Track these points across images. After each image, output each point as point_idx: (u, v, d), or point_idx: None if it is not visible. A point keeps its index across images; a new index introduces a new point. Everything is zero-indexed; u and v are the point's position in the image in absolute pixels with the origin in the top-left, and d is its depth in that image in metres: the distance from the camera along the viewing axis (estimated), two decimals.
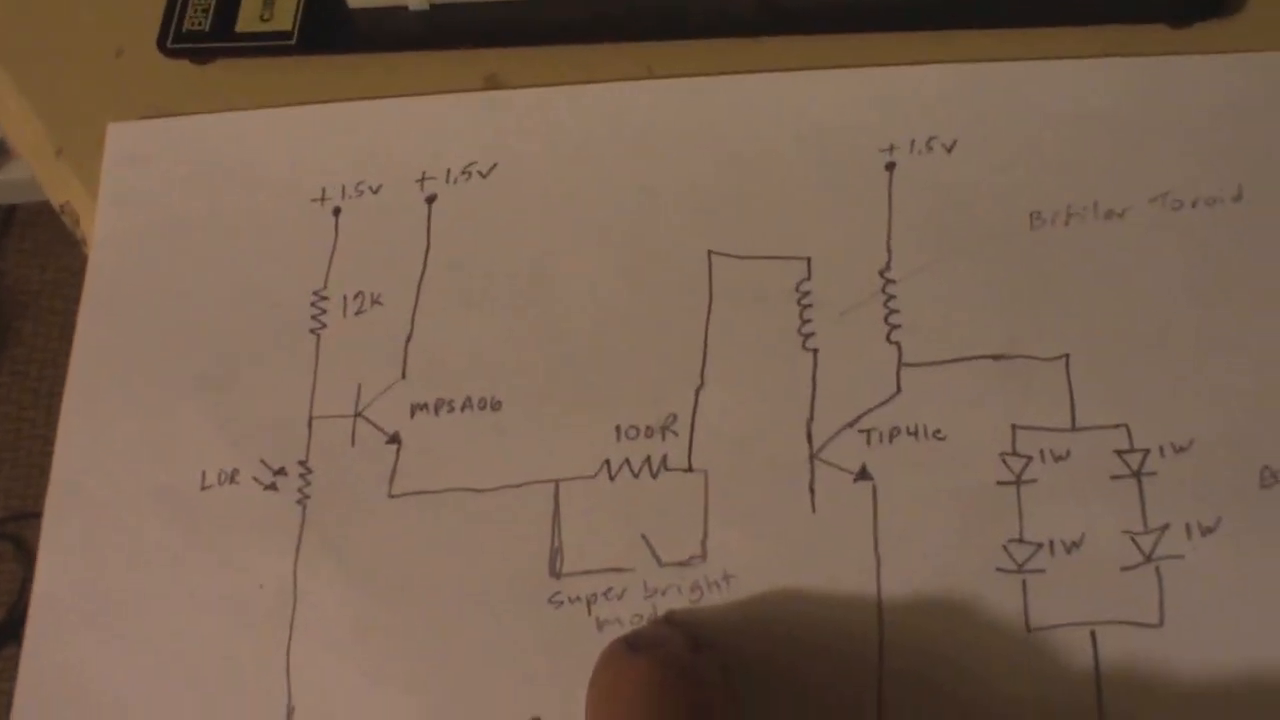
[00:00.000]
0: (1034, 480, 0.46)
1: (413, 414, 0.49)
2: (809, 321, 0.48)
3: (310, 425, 0.49)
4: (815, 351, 0.48)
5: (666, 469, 0.47)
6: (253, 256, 0.52)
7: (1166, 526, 0.45)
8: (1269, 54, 0.51)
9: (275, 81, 0.56)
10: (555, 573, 0.46)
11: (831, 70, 0.52)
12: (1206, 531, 0.45)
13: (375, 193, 0.52)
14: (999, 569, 0.45)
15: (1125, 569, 0.44)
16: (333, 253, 0.52)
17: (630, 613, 0.45)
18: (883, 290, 0.49)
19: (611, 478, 0.47)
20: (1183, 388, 0.46)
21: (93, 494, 0.49)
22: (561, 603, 0.46)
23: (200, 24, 0.56)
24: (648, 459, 0.47)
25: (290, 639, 0.47)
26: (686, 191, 0.51)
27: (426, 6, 0.55)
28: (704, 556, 0.46)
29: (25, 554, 1.27)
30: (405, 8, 0.55)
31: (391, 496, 0.48)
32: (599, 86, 0.53)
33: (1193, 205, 0.49)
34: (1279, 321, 0.47)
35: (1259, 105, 0.50)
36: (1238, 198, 0.49)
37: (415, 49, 0.55)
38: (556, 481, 0.47)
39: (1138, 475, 0.45)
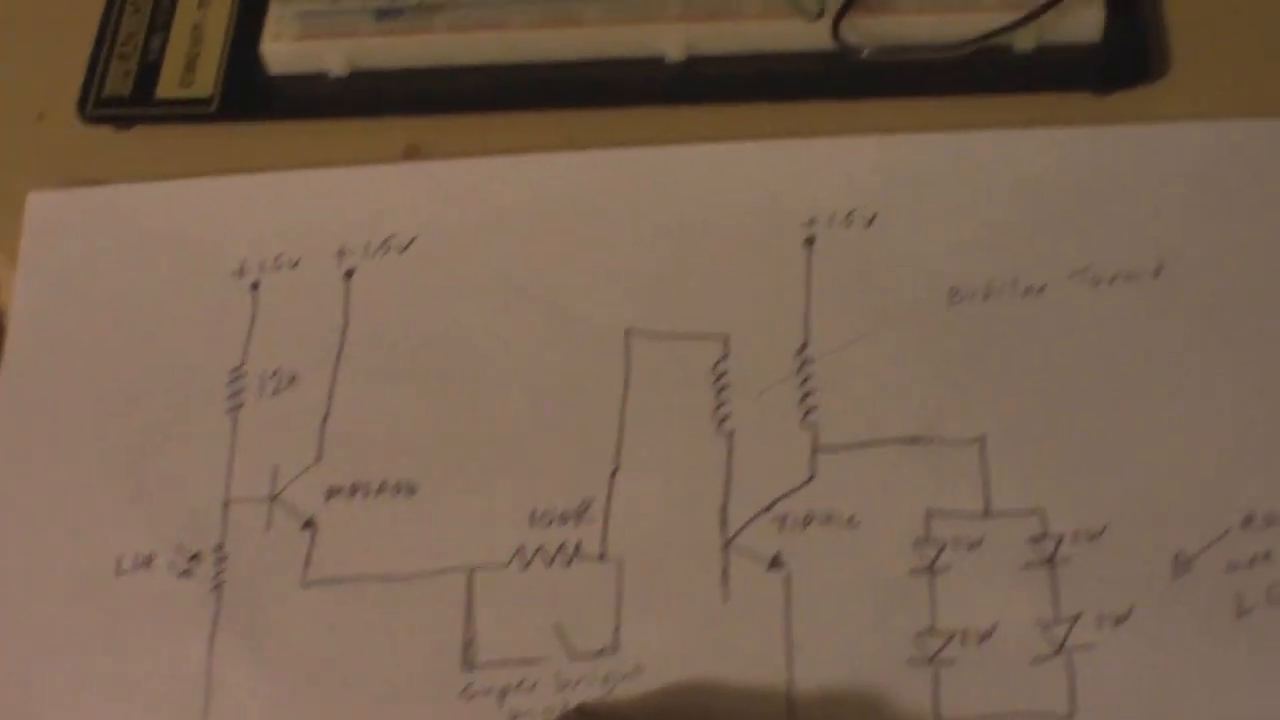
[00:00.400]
0: (947, 568, 0.46)
1: (328, 498, 0.49)
2: (725, 403, 0.48)
3: (226, 508, 0.49)
4: (731, 434, 0.48)
5: (580, 557, 0.47)
6: (171, 332, 0.52)
7: (1079, 616, 0.45)
8: (1190, 124, 0.51)
9: (196, 147, 0.55)
10: (468, 664, 0.46)
11: (752, 142, 0.52)
12: (1119, 621, 0.45)
13: (294, 267, 0.52)
14: (911, 659, 0.45)
15: (1037, 659, 0.44)
16: (250, 329, 0.51)
17: (542, 704, 0.45)
18: (800, 370, 0.48)
19: (525, 566, 0.47)
20: (1097, 472, 0.46)
21: (6, 578, 0.49)
22: (474, 695, 0.46)
23: (121, 89, 0.56)
24: (561, 546, 0.47)
25: None
26: (607, 266, 0.51)
27: (346, 73, 0.55)
28: (616, 648, 0.46)
29: None
30: (326, 74, 0.55)
31: (306, 584, 0.47)
32: (518, 159, 0.53)
33: (1111, 281, 0.49)
34: (1193, 403, 0.47)
35: (1180, 177, 0.50)
36: (1157, 272, 0.49)
37: (336, 116, 0.55)
38: (471, 570, 0.47)
39: (1051, 562, 0.45)
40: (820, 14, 0.51)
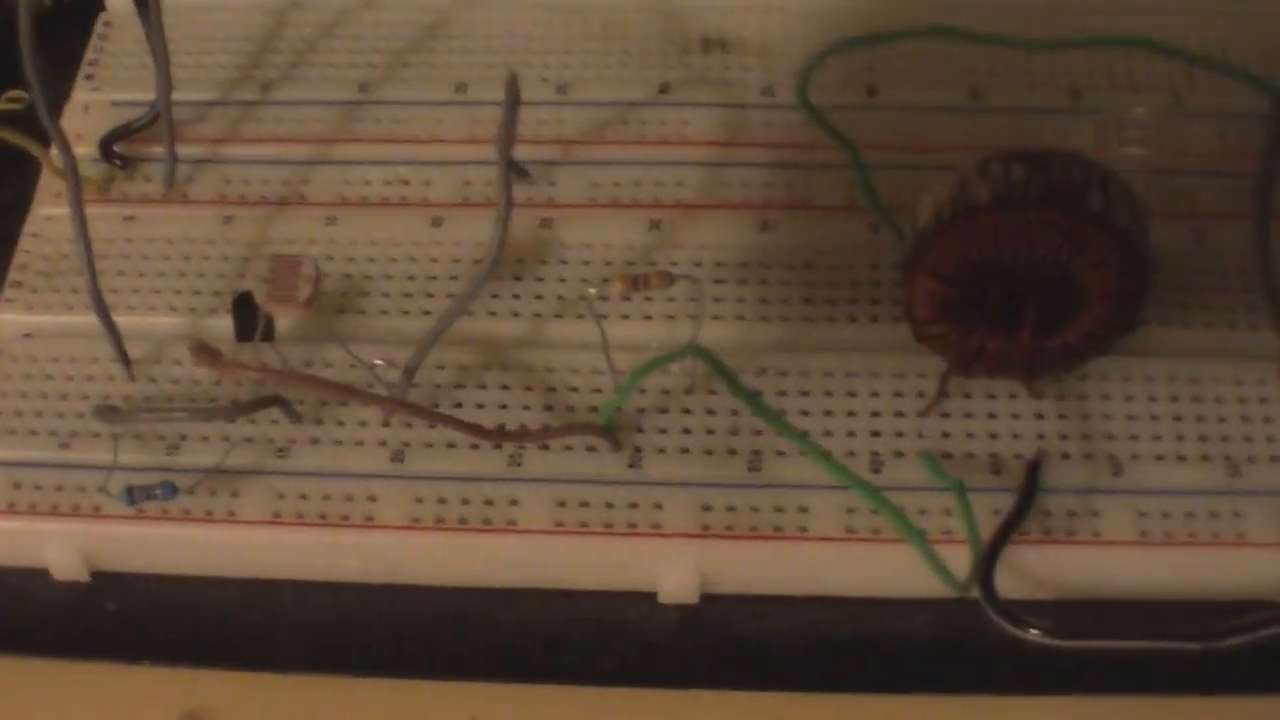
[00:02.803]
0: None
1: None
2: None
3: None
4: None
5: None
6: None
7: None
8: None
9: None
10: None
11: None
12: None
13: None
14: None
15: None
16: None
17: None
18: None
19: None
20: None
21: None
22: None
23: None
24: None
25: None
26: None
27: (87, 577, 0.31)
28: None
29: None
30: (47, 573, 0.31)
31: None
32: None
33: None
34: None
35: None
36: None
37: (59, 655, 0.30)
38: None
39: None
40: (969, 586, 0.27)
